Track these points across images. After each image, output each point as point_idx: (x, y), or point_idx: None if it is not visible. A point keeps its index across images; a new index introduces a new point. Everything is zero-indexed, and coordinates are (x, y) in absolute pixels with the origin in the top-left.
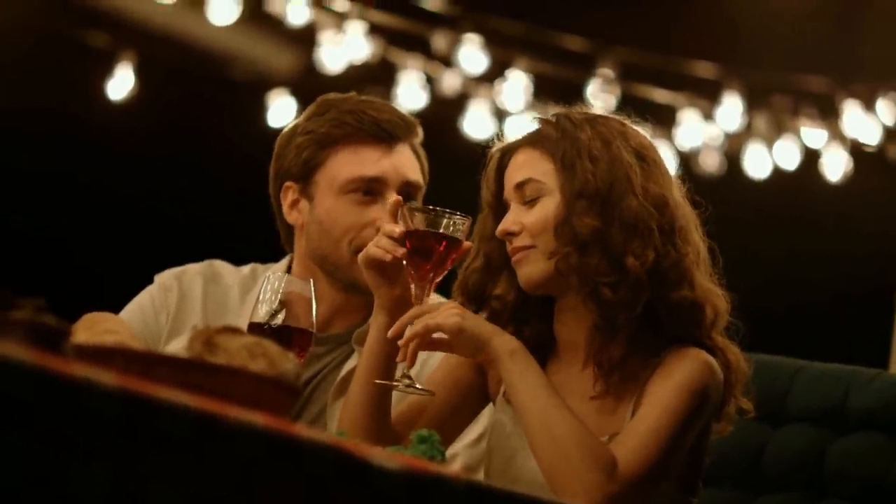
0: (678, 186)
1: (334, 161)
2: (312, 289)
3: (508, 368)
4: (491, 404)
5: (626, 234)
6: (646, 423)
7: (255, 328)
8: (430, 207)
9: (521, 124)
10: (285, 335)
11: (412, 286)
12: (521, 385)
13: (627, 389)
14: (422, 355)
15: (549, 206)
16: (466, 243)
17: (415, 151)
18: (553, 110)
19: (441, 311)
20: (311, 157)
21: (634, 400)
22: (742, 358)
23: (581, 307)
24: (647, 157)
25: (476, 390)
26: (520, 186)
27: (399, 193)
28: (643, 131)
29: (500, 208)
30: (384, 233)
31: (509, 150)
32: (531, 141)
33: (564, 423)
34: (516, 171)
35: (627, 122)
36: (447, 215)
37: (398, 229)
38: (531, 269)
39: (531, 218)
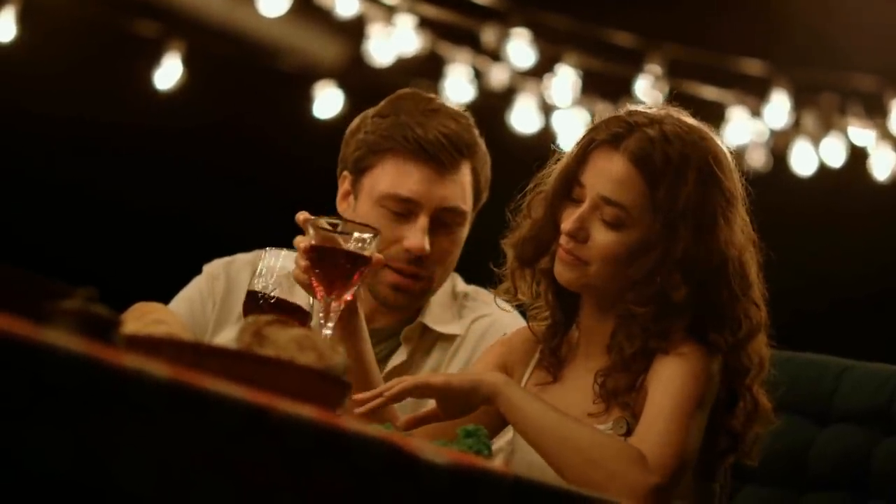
0: (743, 202)
1: (379, 169)
2: None
3: (509, 396)
4: None
5: (685, 280)
6: (661, 412)
7: (251, 297)
8: (336, 222)
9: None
10: (281, 309)
11: (319, 302)
12: (527, 408)
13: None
14: None
15: (626, 240)
16: (376, 256)
17: (472, 172)
18: (648, 113)
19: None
20: (362, 157)
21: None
22: (764, 351)
23: (606, 310)
24: (732, 201)
25: None
26: (607, 202)
27: (432, 217)
28: (726, 147)
29: (573, 184)
30: (296, 244)
31: (607, 143)
32: (635, 157)
33: (582, 431)
34: (609, 183)
35: (717, 140)
36: (353, 231)
37: (303, 244)
38: (573, 276)
39: (603, 240)
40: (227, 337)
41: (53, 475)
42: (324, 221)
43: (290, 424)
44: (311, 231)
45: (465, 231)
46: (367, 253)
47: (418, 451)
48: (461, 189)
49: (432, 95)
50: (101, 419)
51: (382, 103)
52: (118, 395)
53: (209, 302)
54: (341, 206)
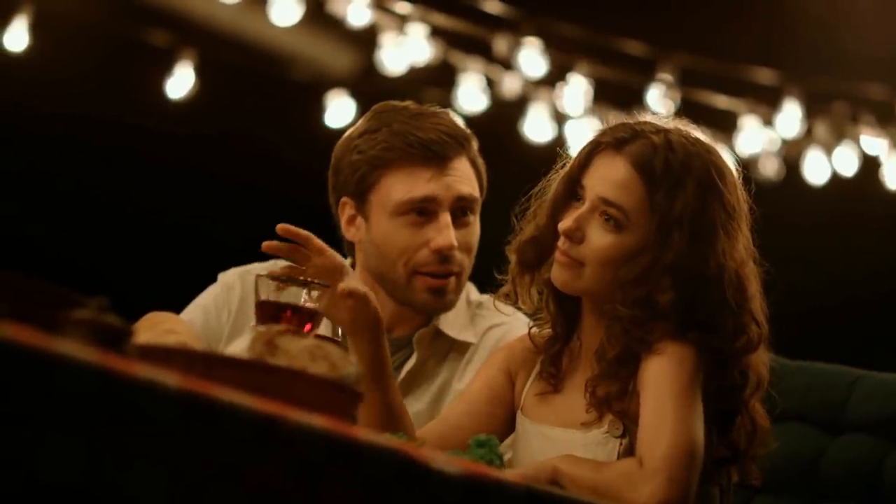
0: (747, 220)
1: (387, 183)
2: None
3: (565, 472)
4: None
5: (674, 285)
6: (660, 414)
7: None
8: (283, 278)
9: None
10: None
11: None
12: (576, 475)
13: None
14: None
15: (622, 243)
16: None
17: (471, 162)
18: (659, 122)
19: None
20: (364, 177)
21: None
22: (762, 370)
23: (601, 318)
24: (734, 215)
25: (508, 399)
26: (606, 203)
27: (452, 209)
28: (730, 163)
29: (575, 185)
30: None
31: (611, 146)
32: (638, 162)
33: (599, 475)
34: (609, 185)
35: (724, 155)
36: (302, 286)
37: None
38: (568, 277)
39: (599, 241)
40: (239, 346)
41: (65, 484)
42: (273, 275)
43: (301, 434)
44: (258, 286)
45: (478, 219)
46: (315, 308)
47: (430, 461)
48: (468, 178)
49: (406, 102)
50: (112, 429)
51: (364, 123)
52: (130, 404)
53: (224, 311)
54: (349, 232)
